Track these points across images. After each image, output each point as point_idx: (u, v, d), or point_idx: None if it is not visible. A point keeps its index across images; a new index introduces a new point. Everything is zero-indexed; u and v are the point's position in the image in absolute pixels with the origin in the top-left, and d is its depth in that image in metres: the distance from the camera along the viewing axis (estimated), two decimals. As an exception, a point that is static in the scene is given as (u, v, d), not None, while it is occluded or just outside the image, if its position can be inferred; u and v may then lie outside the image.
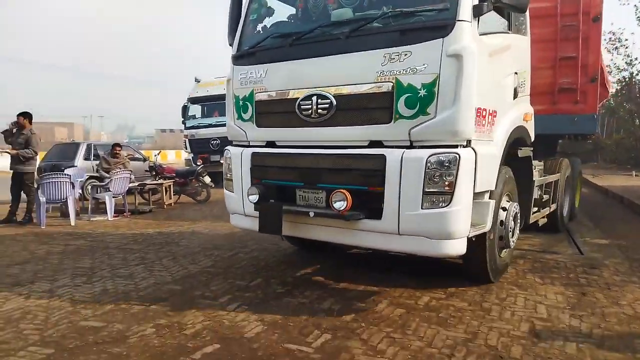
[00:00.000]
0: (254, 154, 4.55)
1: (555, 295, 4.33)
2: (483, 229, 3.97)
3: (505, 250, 4.69)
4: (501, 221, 4.45)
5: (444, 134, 3.62)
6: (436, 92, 3.57)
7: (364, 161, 3.85)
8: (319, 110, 4.03)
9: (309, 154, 4.17)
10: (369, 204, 3.81)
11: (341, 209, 3.71)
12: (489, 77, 3.92)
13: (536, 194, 5.94)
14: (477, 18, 3.69)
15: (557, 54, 6.84)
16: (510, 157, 4.65)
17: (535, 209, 5.93)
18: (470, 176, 3.65)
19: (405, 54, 3.66)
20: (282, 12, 4.87)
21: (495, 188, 4.15)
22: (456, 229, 3.59)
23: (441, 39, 3.56)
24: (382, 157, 3.72)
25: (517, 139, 4.72)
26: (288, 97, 4.26)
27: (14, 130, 8.54)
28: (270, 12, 4.87)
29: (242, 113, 4.68)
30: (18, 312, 3.93)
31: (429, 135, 3.66)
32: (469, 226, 3.72)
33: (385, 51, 3.73)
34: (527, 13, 4.91)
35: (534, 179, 5.53)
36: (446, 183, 3.56)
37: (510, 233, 4.57)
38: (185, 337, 3.40)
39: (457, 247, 3.68)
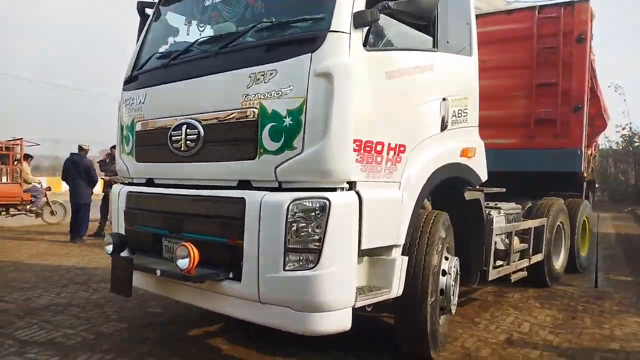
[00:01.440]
0: (129, 194, 3.84)
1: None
2: (385, 296, 3.10)
3: (443, 317, 3.75)
4: (441, 289, 3.56)
5: (313, 174, 2.82)
6: (303, 121, 2.79)
7: (223, 206, 3.07)
8: (188, 142, 3.31)
9: (171, 196, 3.43)
10: (231, 261, 3.01)
11: (184, 267, 2.92)
12: (386, 102, 3.12)
13: (501, 244, 4.99)
14: (361, 29, 2.93)
15: (534, 80, 5.96)
16: (452, 201, 4.03)
17: (501, 262, 4.97)
18: (348, 228, 2.81)
19: (271, 74, 2.91)
20: (182, 30, 4.25)
21: (409, 240, 3.32)
22: (327, 298, 2.73)
23: (309, 54, 2.81)
24: (242, 202, 2.94)
25: (451, 179, 3.87)
26: (161, 127, 3.56)
27: (107, 160, 10.65)
28: (170, 30, 4.24)
29: (125, 145, 4.01)
30: None
31: (298, 175, 2.87)
32: (354, 294, 2.86)
33: (250, 70, 3.01)
34: (473, 28, 4.13)
35: (491, 226, 4.60)
36: (314, 238, 2.73)
37: (452, 297, 3.65)
38: None
39: (335, 322, 2.81)
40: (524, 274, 5.49)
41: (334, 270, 2.74)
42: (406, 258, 3.27)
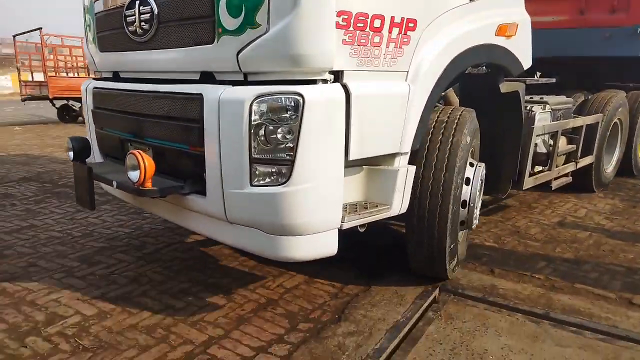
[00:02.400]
0: (95, 90, 3.28)
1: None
2: (384, 214, 2.52)
3: (462, 232, 3.19)
4: (464, 201, 2.94)
5: (283, 61, 2.12)
6: None
7: (181, 104, 2.45)
8: (143, 24, 2.64)
9: (132, 92, 2.83)
10: (195, 173, 2.47)
11: (135, 180, 2.40)
12: None
13: (542, 146, 4.21)
14: None
15: None
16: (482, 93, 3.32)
17: (540, 167, 4.23)
18: (329, 133, 2.16)
19: None
20: None
21: (418, 145, 2.68)
22: (302, 219, 2.18)
23: None
24: (199, 99, 2.32)
25: (488, 66, 3.06)
26: (116, 5, 2.88)
27: None
28: None
29: (88, 32, 3.38)
30: None
31: (265, 63, 2.18)
32: (340, 213, 2.30)
33: None
34: None
35: (532, 124, 3.81)
36: (286, 146, 2.11)
37: (475, 210, 3.04)
38: None
39: (315, 247, 2.29)
40: (568, 179, 4.76)
41: (310, 186, 2.14)
42: (413, 168, 2.65)
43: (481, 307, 2.85)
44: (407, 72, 2.50)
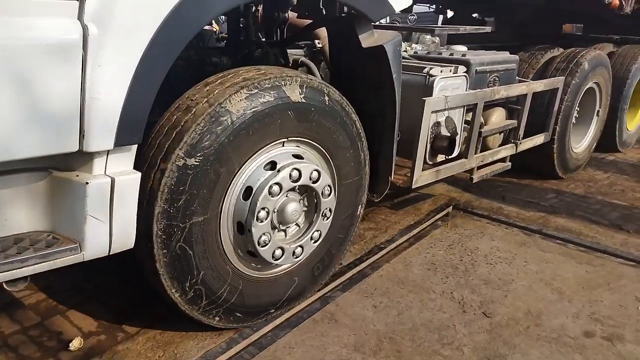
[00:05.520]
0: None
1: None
2: (66, 257, 1.56)
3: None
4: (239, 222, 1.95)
5: None
6: None
7: None
8: None
9: None
10: None
11: None
12: None
13: (453, 125, 2.91)
14: None
15: None
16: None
17: (448, 154, 3.01)
18: None
19: None
20: None
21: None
22: None
23: None
24: None
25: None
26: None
27: None
28: None
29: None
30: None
31: None
32: None
33: None
34: None
35: (426, 96, 2.72)
36: None
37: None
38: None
39: None
40: (505, 165, 3.61)
41: None
42: (136, 176, 1.65)
43: (484, 221, 3.38)
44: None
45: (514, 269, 2.76)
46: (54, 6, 1.38)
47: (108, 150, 1.56)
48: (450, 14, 6.35)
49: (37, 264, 1.49)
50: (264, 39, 2.81)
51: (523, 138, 3.62)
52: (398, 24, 9.21)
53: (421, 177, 2.87)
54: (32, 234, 1.57)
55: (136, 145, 1.64)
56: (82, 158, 1.54)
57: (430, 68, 2.95)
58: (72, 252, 1.54)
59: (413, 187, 2.87)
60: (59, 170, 1.56)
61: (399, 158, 2.70)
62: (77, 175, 1.55)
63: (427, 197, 3.70)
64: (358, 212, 2.46)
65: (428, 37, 5.59)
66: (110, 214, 1.59)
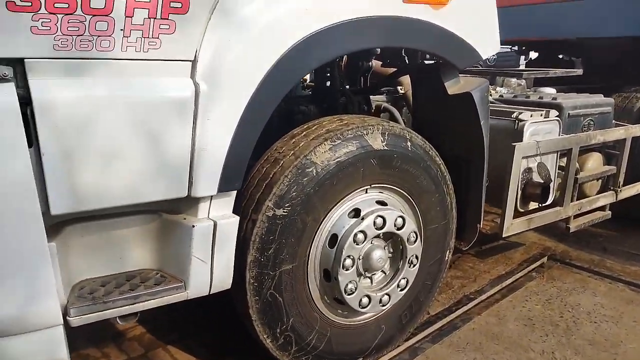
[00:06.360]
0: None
1: None
2: (171, 295, 1.66)
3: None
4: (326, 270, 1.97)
5: None
6: None
7: None
8: None
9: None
10: None
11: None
12: None
13: (546, 171, 2.82)
14: None
15: None
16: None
17: (540, 202, 2.87)
18: None
19: None
20: None
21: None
22: None
23: None
24: None
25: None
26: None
27: None
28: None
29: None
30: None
31: None
32: (56, 302, 1.44)
33: None
34: None
35: (516, 142, 2.62)
36: None
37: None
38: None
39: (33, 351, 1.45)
40: (605, 215, 3.33)
41: None
42: (234, 220, 1.72)
43: (584, 274, 3.13)
44: (194, 60, 1.54)
45: (622, 329, 2.51)
46: (171, 67, 1.51)
47: (212, 196, 1.65)
48: (533, 54, 6.17)
49: (147, 300, 1.58)
50: (347, 86, 2.87)
51: (623, 185, 3.36)
52: (481, 66, 9.11)
53: (512, 226, 2.70)
54: (142, 272, 1.68)
55: (235, 191, 1.72)
56: (188, 202, 1.65)
57: (520, 112, 2.86)
58: (178, 291, 1.64)
59: (503, 236, 2.72)
60: (168, 213, 1.68)
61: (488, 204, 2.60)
62: (185, 219, 1.66)
63: (518, 246, 3.51)
64: (446, 258, 2.38)
65: (513, 80, 5.45)
66: (212, 255, 1.68)
